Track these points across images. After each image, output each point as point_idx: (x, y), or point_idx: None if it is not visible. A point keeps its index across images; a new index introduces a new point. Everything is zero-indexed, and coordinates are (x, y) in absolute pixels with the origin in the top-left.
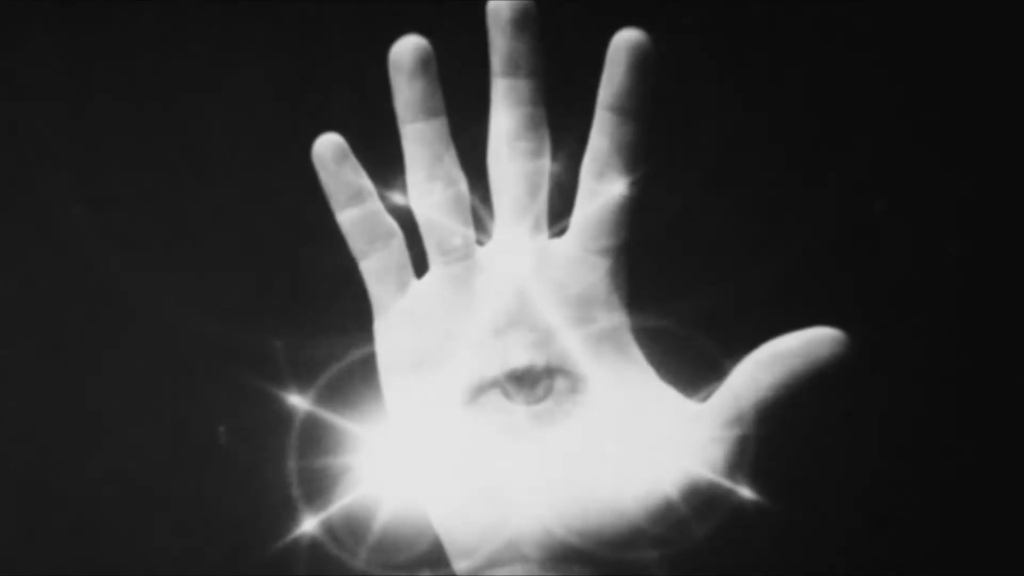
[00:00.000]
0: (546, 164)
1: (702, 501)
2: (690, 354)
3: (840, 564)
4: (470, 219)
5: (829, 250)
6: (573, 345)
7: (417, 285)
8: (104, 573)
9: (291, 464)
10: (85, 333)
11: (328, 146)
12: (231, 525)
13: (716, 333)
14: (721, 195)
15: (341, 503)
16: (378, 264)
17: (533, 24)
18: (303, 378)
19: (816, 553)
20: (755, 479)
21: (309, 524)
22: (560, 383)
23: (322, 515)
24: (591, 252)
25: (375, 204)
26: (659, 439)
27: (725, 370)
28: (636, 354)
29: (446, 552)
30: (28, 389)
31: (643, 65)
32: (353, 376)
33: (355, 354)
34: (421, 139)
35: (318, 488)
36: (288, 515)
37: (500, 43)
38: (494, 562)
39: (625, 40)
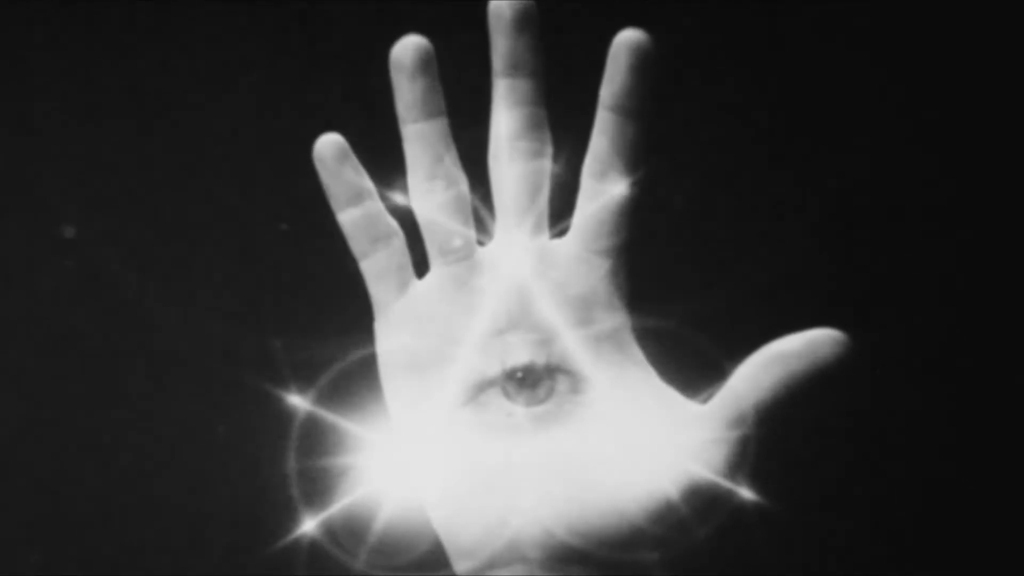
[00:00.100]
0: (547, 164)
1: (703, 502)
2: (691, 355)
3: (840, 564)
4: (471, 219)
5: (829, 250)
6: (574, 345)
7: (418, 285)
8: (104, 573)
9: (291, 464)
10: (85, 333)
11: (329, 146)
12: (231, 525)
13: (717, 334)
14: (721, 195)
15: (341, 504)
16: (379, 264)
17: (534, 24)
18: (303, 378)
19: (816, 554)
20: (756, 480)
21: (309, 525)
22: (561, 383)
23: (322, 516)
24: (592, 252)
25: (376, 204)
26: (660, 440)
27: (726, 371)
28: (637, 354)
29: (446, 553)
30: (28, 389)
31: (644, 65)
32: (353, 376)
33: (355, 354)
34: (422, 139)
35: (318, 488)
36: (288, 516)
37: (501, 43)
38: (494, 563)
39: (626, 40)
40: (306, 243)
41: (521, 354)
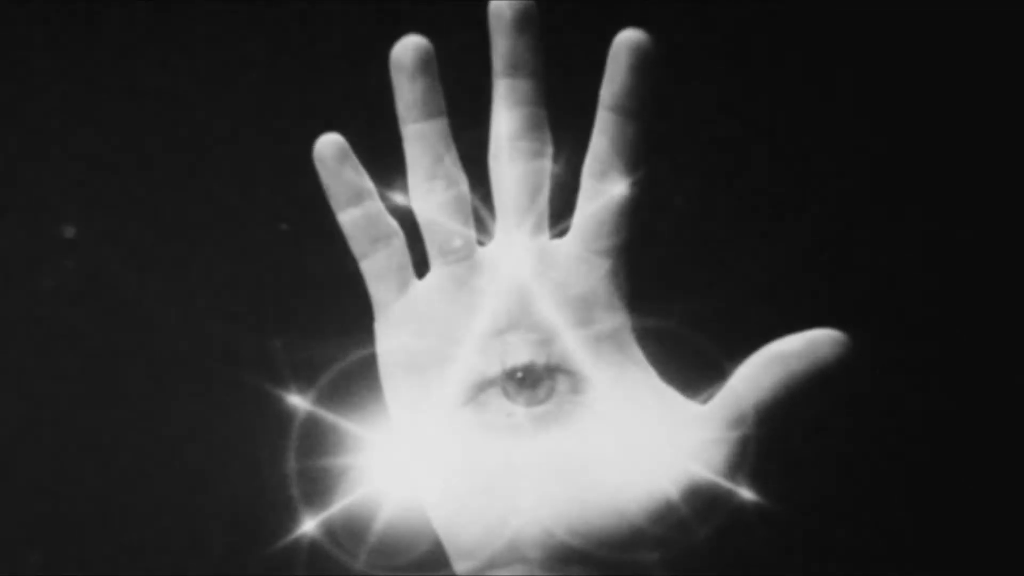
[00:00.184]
0: (547, 164)
1: (703, 502)
2: (691, 355)
3: (840, 564)
4: (471, 219)
5: (828, 250)
6: (574, 345)
7: (418, 285)
8: (104, 573)
9: (291, 465)
10: (85, 333)
11: (329, 146)
12: (231, 525)
13: (717, 334)
14: (721, 195)
15: (341, 504)
16: (379, 264)
17: (534, 25)
18: (303, 378)
19: (816, 553)
20: (756, 480)
21: (309, 525)
22: (561, 383)
23: (322, 516)
24: (592, 252)
25: (376, 204)
26: (660, 440)
27: (726, 371)
28: (637, 354)
29: (446, 553)
30: (29, 389)
31: (644, 66)
32: (353, 376)
33: (356, 354)
34: (422, 139)
35: (318, 489)
36: (288, 516)
37: (501, 43)
38: (494, 563)
39: (626, 41)
40: (306, 243)
41: (521, 354)
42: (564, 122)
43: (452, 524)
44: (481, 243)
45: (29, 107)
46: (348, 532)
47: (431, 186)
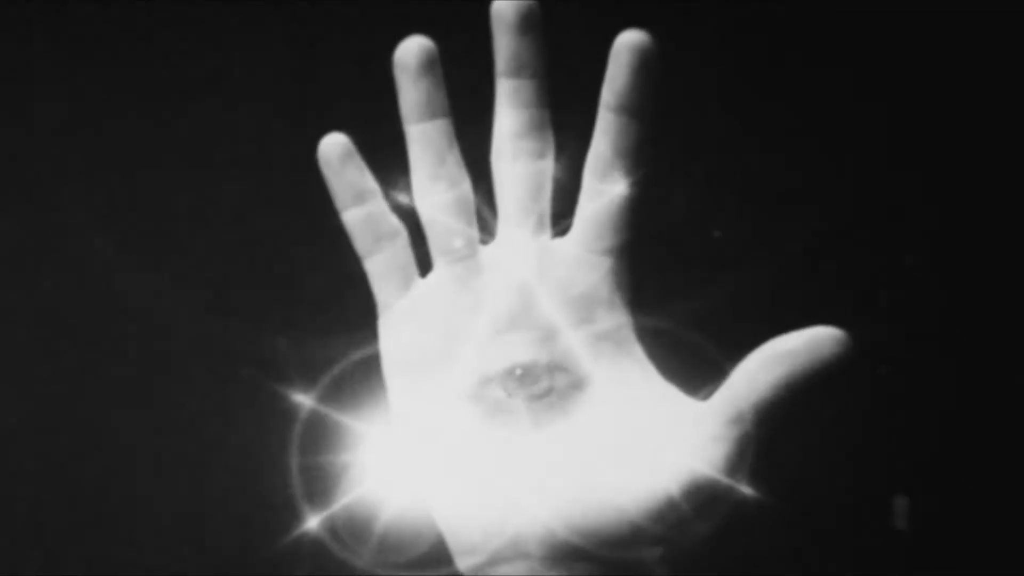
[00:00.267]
0: (549, 164)
1: (703, 500)
2: (691, 353)
3: (841, 563)
4: (474, 219)
5: (828, 250)
6: (575, 344)
7: (421, 284)
8: (104, 573)
9: (294, 462)
10: (86, 333)
11: (334, 146)
12: (232, 525)
13: (717, 332)
14: (721, 195)
15: (344, 501)
16: (382, 263)
17: (537, 25)
18: (307, 376)
19: (817, 552)
20: (756, 478)
21: (312, 523)
22: (562, 381)
23: (325, 514)
24: (594, 252)
25: (380, 204)
26: (660, 437)
27: (726, 369)
28: (638, 353)
29: (449, 550)
30: (28, 389)
31: (645, 66)
32: (356, 374)
33: (359, 353)
34: (425, 139)
35: (321, 486)
36: (291, 514)
37: (504, 44)
38: (497, 560)
39: (628, 41)
40: (310, 242)
41: (523, 352)
42: (567, 122)
43: (454, 521)
44: (483, 242)
45: (29, 107)
46: (351, 530)
47: (434, 186)
